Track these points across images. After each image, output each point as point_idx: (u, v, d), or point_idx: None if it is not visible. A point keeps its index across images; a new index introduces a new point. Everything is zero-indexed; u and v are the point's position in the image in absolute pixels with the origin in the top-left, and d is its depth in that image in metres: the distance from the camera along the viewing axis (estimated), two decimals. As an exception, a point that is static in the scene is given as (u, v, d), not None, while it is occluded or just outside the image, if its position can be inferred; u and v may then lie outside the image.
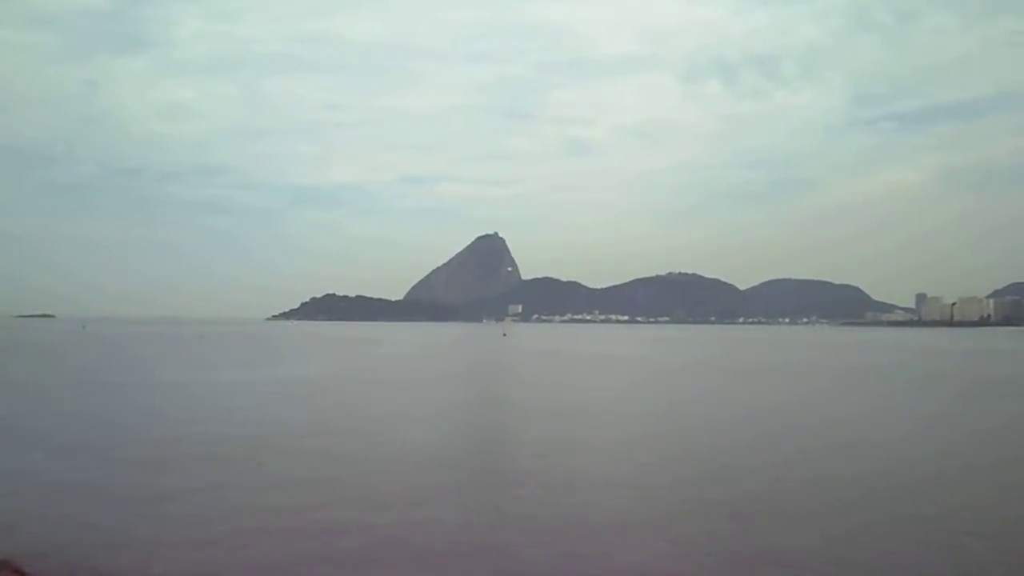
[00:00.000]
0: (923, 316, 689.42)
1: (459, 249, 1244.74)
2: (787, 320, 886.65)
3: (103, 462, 28.32)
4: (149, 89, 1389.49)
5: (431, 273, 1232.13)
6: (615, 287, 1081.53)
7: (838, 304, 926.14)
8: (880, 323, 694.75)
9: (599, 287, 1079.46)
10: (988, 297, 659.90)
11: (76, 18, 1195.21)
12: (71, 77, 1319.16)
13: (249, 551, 17.82)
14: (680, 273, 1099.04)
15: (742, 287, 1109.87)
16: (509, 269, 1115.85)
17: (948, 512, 21.88)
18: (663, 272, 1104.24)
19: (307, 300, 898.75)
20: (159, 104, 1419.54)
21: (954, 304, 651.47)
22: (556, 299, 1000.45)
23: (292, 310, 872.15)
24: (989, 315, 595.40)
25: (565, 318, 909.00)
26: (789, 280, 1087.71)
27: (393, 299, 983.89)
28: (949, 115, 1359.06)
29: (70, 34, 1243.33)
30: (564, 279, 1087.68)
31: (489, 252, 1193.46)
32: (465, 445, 34.93)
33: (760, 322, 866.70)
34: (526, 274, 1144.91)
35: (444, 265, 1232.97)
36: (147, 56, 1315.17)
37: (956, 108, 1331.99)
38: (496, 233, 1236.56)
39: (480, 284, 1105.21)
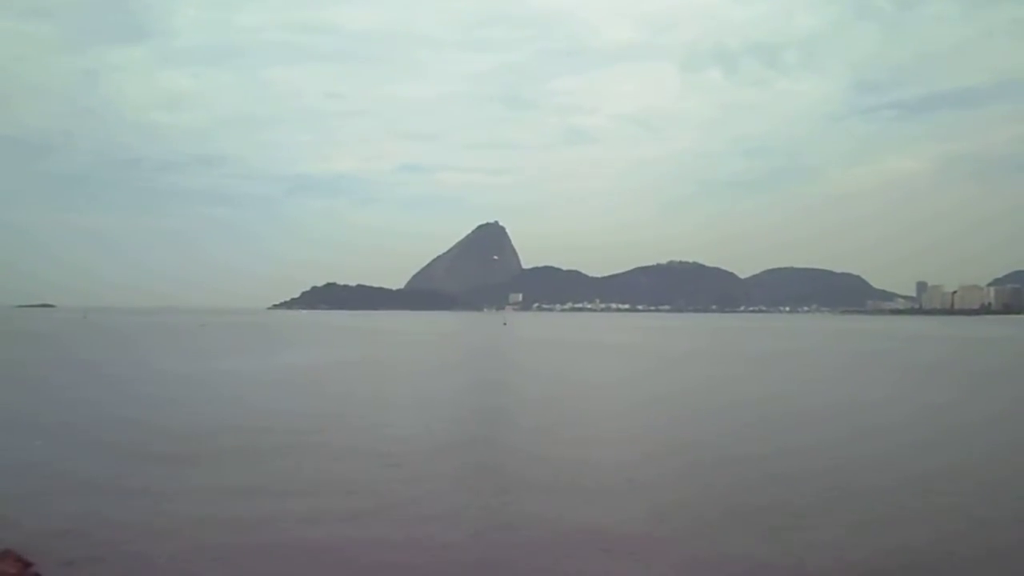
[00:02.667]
0: (924, 304, 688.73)
1: (460, 238, 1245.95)
2: (788, 308, 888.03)
3: (106, 452, 28.39)
4: (148, 79, 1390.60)
5: (432, 262, 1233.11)
6: (616, 276, 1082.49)
7: (839, 292, 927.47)
8: (881, 311, 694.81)
9: (600, 276, 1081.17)
10: (989, 285, 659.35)
11: (75, 8, 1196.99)
12: (70, 67, 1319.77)
13: (253, 541, 17.94)
14: (681, 262, 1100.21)
15: (743, 275, 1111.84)
16: (495, 257, 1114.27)
17: (952, 501, 22.05)
18: (664, 260, 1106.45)
19: (308, 289, 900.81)
20: (158, 94, 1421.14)
21: (955, 292, 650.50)
22: (557, 288, 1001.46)
23: (293, 299, 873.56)
24: (990, 303, 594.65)
25: (566, 307, 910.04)
26: (790, 268, 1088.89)
27: (394, 288, 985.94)
28: (949, 103, 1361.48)
29: (69, 24, 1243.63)
30: (565, 268, 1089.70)
31: (489, 241, 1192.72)
32: (465, 435, 35.01)
33: (761, 310, 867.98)
34: (527, 262, 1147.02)
35: (445, 254, 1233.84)
36: (146, 45, 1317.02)
37: (956, 96, 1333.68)
38: (496, 222, 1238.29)
39: (480, 273, 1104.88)
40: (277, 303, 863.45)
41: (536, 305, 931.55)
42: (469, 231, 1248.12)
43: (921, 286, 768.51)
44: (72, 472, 24.82)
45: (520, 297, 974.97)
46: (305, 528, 18.78)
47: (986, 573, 16.43)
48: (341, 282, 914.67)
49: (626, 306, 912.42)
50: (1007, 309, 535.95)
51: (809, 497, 22.09)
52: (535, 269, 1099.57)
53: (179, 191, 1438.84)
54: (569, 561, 16.75)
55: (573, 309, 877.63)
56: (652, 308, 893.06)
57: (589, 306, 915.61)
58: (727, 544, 17.78)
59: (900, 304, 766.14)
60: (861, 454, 28.60)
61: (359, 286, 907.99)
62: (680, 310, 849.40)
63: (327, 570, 16.19)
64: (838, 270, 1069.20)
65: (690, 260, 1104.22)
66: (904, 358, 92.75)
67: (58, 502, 21.01)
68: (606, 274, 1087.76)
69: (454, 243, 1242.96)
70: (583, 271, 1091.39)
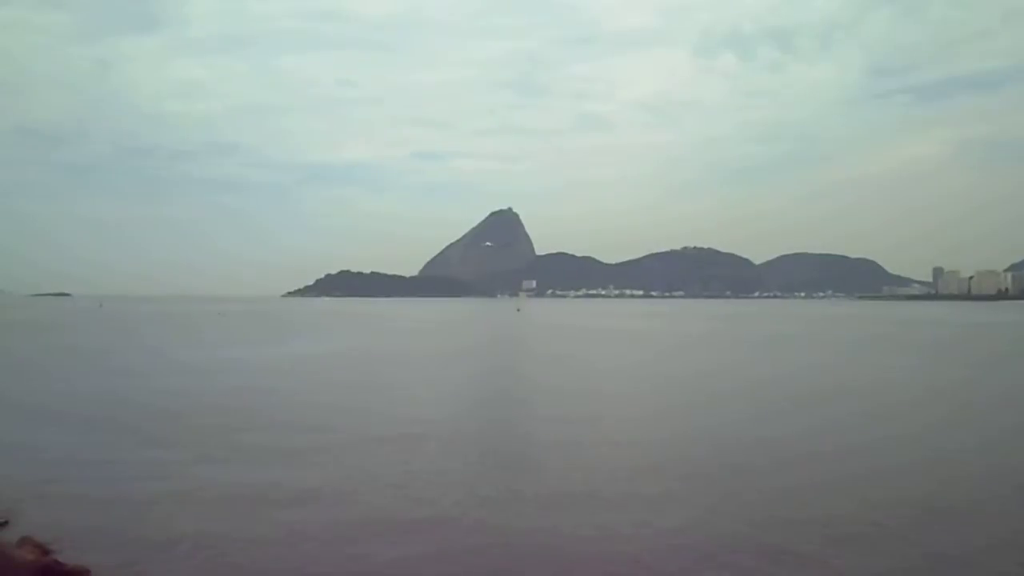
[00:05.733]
0: (940, 290, 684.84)
1: (473, 225, 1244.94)
2: (803, 294, 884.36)
3: (122, 439, 28.65)
4: (161, 68, 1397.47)
5: (445, 249, 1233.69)
6: (630, 262, 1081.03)
7: (854, 278, 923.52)
8: (897, 297, 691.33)
9: (613, 262, 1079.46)
10: (1006, 271, 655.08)
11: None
12: (84, 57, 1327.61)
13: (268, 527, 18.15)
14: (695, 247, 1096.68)
15: (758, 261, 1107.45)
16: (488, 244, 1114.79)
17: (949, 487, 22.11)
18: (678, 247, 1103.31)
19: (322, 277, 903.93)
20: (172, 83, 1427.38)
21: (971, 278, 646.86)
22: (570, 274, 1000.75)
23: (307, 287, 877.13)
24: (1007, 288, 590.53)
25: (580, 293, 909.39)
26: (805, 254, 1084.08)
27: (408, 275, 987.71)
28: (966, 87, 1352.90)
29: (83, 13, 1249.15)
30: (578, 254, 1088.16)
31: (503, 227, 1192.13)
32: (481, 421, 35.21)
33: (776, 296, 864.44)
34: (540, 249, 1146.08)
35: (458, 241, 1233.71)
36: (159, 35, 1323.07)
37: (972, 80, 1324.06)
38: (510, 208, 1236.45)
39: (494, 259, 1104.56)
40: (291, 291, 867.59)
41: (550, 291, 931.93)
42: (483, 218, 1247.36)
43: (937, 271, 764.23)
44: (88, 459, 25.10)
45: (534, 284, 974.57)
46: (317, 518, 19.00)
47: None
48: (355, 269, 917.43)
49: (640, 292, 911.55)
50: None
51: (807, 477, 22.22)
52: (549, 256, 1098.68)
53: (193, 180, 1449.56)
54: (585, 546, 16.94)
55: (587, 295, 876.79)
56: (666, 294, 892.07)
57: (603, 292, 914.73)
58: (740, 526, 17.93)
59: (916, 289, 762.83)
60: (858, 437, 28.65)
61: (373, 273, 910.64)
62: (694, 296, 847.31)
63: (343, 559, 16.38)
64: (854, 256, 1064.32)
65: (705, 246, 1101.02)
66: (912, 343, 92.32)
67: (75, 489, 21.27)
68: (620, 260, 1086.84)
69: (468, 230, 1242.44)
70: (597, 257, 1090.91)
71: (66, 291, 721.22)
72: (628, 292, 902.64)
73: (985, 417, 35.30)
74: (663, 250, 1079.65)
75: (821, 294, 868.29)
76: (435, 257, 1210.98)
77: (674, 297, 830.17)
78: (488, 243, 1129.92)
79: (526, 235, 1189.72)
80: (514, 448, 28.38)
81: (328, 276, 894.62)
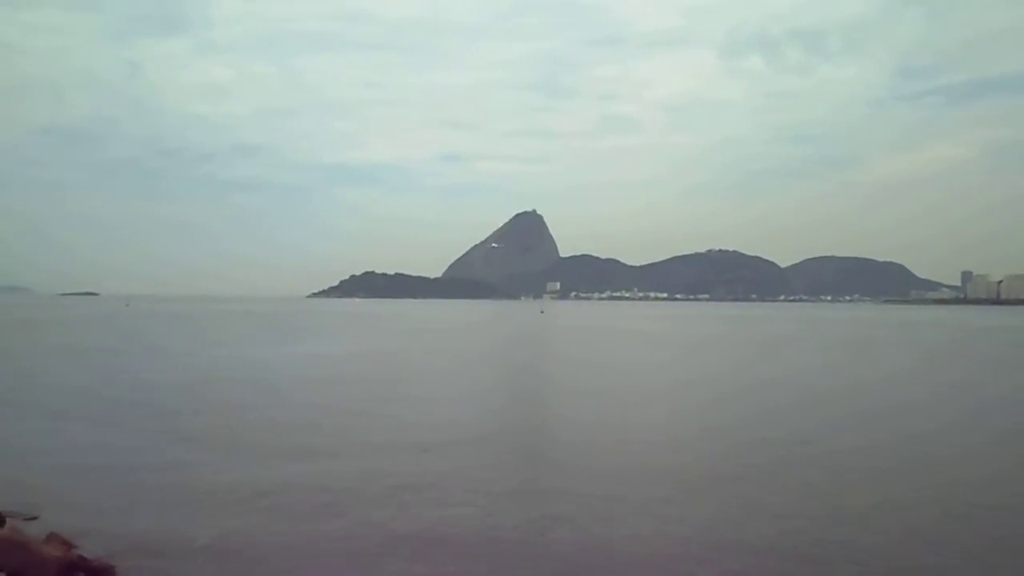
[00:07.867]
0: (969, 294, 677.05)
1: (497, 226, 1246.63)
2: (829, 298, 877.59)
3: (148, 437, 28.74)
4: (188, 70, 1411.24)
5: (470, 250, 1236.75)
6: (654, 264, 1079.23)
7: (882, 282, 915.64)
8: (925, 301, 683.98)
9: (638, 264, 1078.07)
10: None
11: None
12: (114, 58, 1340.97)
13: (293, 535, 18.14)
14: (720, 250, 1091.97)
15: (783, 264, 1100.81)
16: (494, 245, 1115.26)
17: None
18: (703, 249, 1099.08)
19: (347, 278, 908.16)
20: (197, 85, 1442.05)
21: (1000, 282, 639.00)
22: (594, 276, 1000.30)
23: (332, 288, 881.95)
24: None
25: (604, 295, 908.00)
26: (832, 257, 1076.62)
27: (432, 277, 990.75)
28: (997, 89, 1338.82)
29: (113, 15, 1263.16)
30: (603, 256, 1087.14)
31: (528, 229, 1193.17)
32: (505, 421, 35.10)
33: (802, 300, 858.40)
34: (564, 251, 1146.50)
35: (482, 242, 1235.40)
36: (186, 37, 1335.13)
37: (1004, 81, 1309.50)
38: (534, 210, 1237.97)
39: (518, 261, 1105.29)
40: (316, 292, 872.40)
41: (574, 294, 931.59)
42: (507, 220, 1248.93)
43: (966, 275, 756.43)
44: (115, 458, 25.19)
45: (558, 286, 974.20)
46: (344, 524, 18.98)
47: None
48: (379, 271, 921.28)
49: (664, 295, 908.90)
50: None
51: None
52: (573, 258, 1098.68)
53: (217, 181, 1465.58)
54: (607, 549, 16.81)
55: (611, 298, 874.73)
56: (691, 297, 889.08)
57: (627, 295, 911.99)
58: (775, 530, 17.73)
59: (945, 293, 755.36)
60: (883, 436, 28.33)
61: (397, 275, 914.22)
62: (719, 299, 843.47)
63: (368, 566, 16.35)
64: (881, 259, 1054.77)
65: (730, 248, 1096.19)
66: (932, 347, 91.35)
67: (101, 486, 21.38)
68: (644, 263, 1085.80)
69: (492, 232, 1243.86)
70: (621, 259, 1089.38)
71: (93, 290, 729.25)
72: (652, 295, 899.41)
73: (996, 420, 34.88)
74: (687, 252, 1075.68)
75: (848, 298, 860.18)
76: (459, 258, 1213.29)
77: (699, 300, 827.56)
78: (494, 244, 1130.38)
79: (550, 237, 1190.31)
80: (548, 451, 28.25)
81: (353, 277, 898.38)
